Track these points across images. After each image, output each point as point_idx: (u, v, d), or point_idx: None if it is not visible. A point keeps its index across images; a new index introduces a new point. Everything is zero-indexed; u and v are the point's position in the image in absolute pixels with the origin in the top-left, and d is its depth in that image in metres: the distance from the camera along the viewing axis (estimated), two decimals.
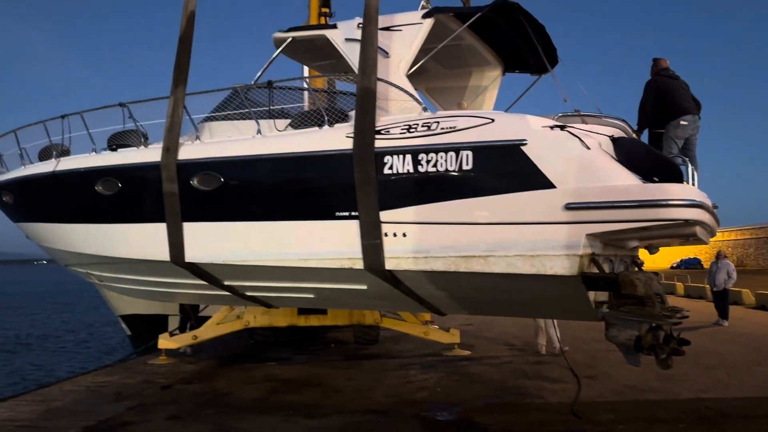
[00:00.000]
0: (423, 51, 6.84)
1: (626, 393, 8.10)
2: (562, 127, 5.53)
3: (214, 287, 7.89)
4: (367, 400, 7.99)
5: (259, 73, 7.55)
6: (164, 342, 10.83)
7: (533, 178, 5.44)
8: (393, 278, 6.38)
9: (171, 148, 7.21)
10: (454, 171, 5.78)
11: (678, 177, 5.32)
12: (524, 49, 7.92)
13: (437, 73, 8.52)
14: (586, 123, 5.80)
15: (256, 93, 7.37)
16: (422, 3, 7.55)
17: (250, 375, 9.90)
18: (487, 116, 5.83)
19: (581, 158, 5.39)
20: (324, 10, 10.89)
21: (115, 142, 8.00)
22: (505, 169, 5.60)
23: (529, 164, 5.46)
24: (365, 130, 6.16)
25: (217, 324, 10.93)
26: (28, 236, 9.95)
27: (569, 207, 5.30)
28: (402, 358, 10.82)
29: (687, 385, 8.51)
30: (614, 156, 5.45)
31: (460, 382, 8.97)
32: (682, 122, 6.31)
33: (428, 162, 5.89)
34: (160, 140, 7.68)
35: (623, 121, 6.11)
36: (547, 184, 5.40)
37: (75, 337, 23.45)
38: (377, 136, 6.14)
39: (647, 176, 5.29)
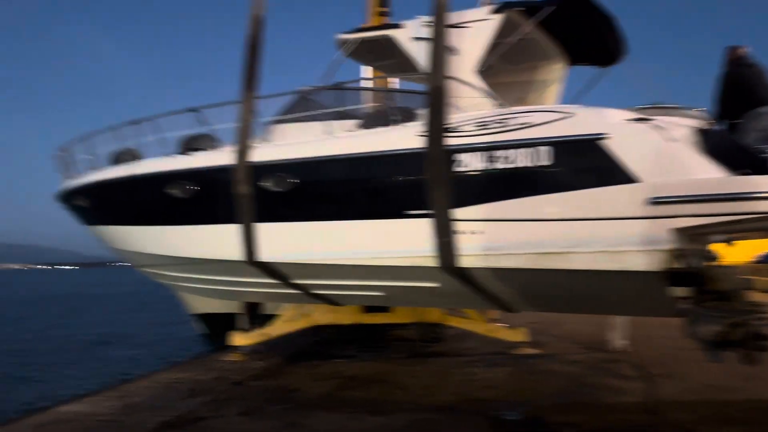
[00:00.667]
0: (491, 47, 6.81)
1: (704, 392, 7.86)
2: (643, 120, 5.43)
3: (284, 286, 8.04)
4: (433, 398, 7.96)
5: (323, 75, 7.67)
6: (236, 339, 11.05)
7: (615, 173, 5.35)
8: (466, 276, 6.38)
9: (243, 150, 7.38)
10: (530, 167, 5.73)
11: (765, 168, 5.15)
12: (591, 41, 7.79)
13: (499, 69, 8.46)
14: (667, 115, 5.66)
15: (323, 95, 7.49)
16: None
17: (317, 372, 9.97)
18: (565, 110, 5.76)
19: (665, 151, 5.28)
20: (382, 9, 10.96)
21: (188, 146, 8.23)
22: (585, 164, 5.53)
23: (611, 159, 5.37)
24: (436, 128, 6.17)
25: (285, 321, 11.12)
26: (100, 239, 10.33)
27: (654, 201, 5.20)
28: (467, 356, 10.70)
29: None
30: (699, 148, 5.31)
31: (527, 380, 8.85)
32: (760, 113, 6.08)
33: (503, 158, 5.86)
34: (230, 143, 7.90)
35: (703, 111, 5.94)
36: (630, 179, 5.30)
37: (151, 335, 24.14)
38: (449, 134, 6.14)
39: (734, 168, 5.14)
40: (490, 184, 5.96)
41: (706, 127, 5.60)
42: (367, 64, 8.78)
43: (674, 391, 7.95)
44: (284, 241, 7.23)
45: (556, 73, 8.52)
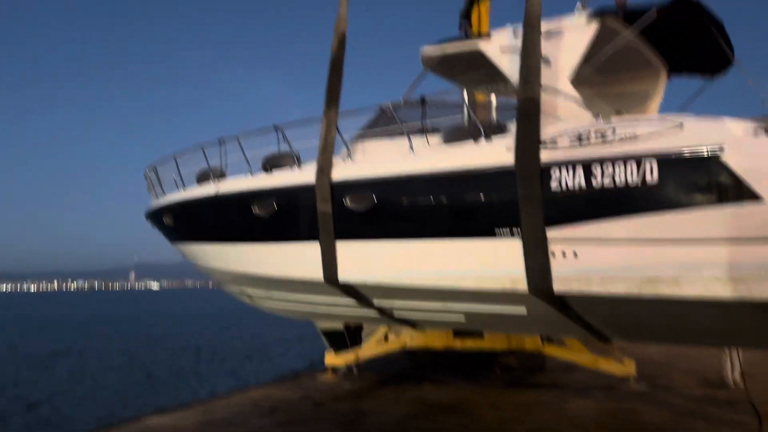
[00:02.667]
0: (586, 56, 6.36)
1: None
2: (767, 131, 4.83)
3: (364, 307, 7.80)
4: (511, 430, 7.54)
5: (408, 90, 7.44)
6: (330, 359, 11.26)
7: (735, 190, 4.77)
8: (560, 302, 5.90)
9: (325, 168, 7.24)
10: (635, 184, 5.22)
11: None
12: (696, 50, 7.17)
13: (595, 79, 7.94)
14: None
15: (405, 111, 7.25)
16: (578, 5, 7.07)
17: (401, 396, 9.83)
18: (674, 120, 5.23)
19: None
20: (463, 23, 10.63)
21: (270, 164, 8.20)
22: (699, 181, 4.96)
23: (730, 174, 4.80)
24: (529, 142, 5.77)
25: (376, 343, 11.16)
26: (185, 256, 10.49)
27: None
28: (565, 389, 10.05)
29: None
30: None
31: (621, 420, 8.13)
32: None
33: (604, 174, 5.38)
34: (313, 161, 7.80)
35: None
36: (753, 197, 4.70)
37: (284, 349, 26.69)
38: (542, 148, 5.73)
39: None
40: (588, 202, 5.48)
41: None
42: (451, 78, 8.48)
43: None
44: (365, 260, 6.99)
45: (656, 84, 7.91)
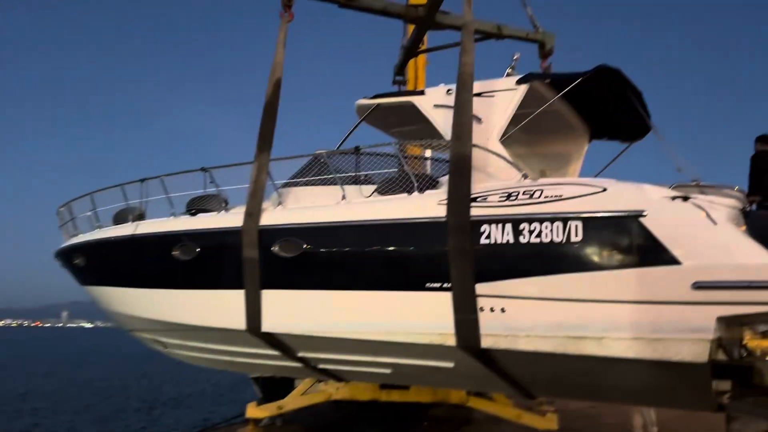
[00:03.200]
0: (513, 117, 6.60)
1: None
2: (684, 198, 5.11)
3: (288, 359, 7.54)
4: None
5: (342, 140, 7.45)
6: (252, 411, 10.76)
7: (655, 253, 4.98)
8: (487, 357, 5.91)
9: (254, 212, 7.06)
10: (561, 243, 5.37)
11: None
12: (615, 116, 7.61)
13: (520, 139, 8.24)
14: (705, 194, 5.35)
15: (339, 159, 7.23)
16: (508, 70, 7.37)
17: None
18: (598, 184, 5.46)
19: (709, 232, 4.93)
20: (398, 78, 10.93)
21: (195, 207, 7.92)
22: (621, 243, 5.16)
23: (650, 238, 5.02)
24: (461, 198, 5.86)
25: (302, 395, 10.80)
26: (95, 300, 9.87)
27: (698, 286, 4.80)
28: None
29: None
30: (745, 230, 4.96)
31: None
32: None
33: (531, 232, 5.51)
34: (241, 205, 7.59)
35: (741, 192, 5.63)
36: (671, 260, 4.93)
37: (209, 397, 25.57)
38: (473, 204, 5.82)
39: None
40: (516, 258, 5.58)
41: (747, 207, 5.27)
42: (385, 130, 8.58)
43: None
44: (292, 310, 6.79)
45: (579, 147, 8.29)
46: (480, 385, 7.75)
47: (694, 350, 4.83)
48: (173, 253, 7.64)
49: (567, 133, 8.17)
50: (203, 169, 7.82)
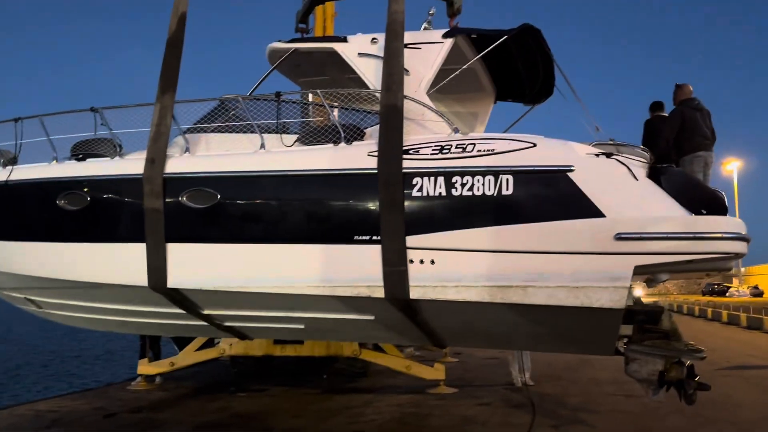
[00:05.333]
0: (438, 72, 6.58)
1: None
2: (608, 155, 5.41)
3: (189, 317, 7.10)
4: None
5: (255, 86, 7.00)
6: (143, 368, 10.74)
7: (581, 206, 5.26)
8: (412, 308, 5.96)
9: (157, 159, 6.46)
10: (492, 196, 5.49)
11: (723, 209, 5.32)
12: (524, 77, 7.86)
13: (433, 96, 8.28)
14: (620, 152, 5.71)
15: (252, 106, 6.81)
16: (424, 25, 7.33)
17: (206, 406, 9.41)
18: (529, 140, 5.62)
19: (631, 187, 5.29)
20: (301, 26, 10.44)
21: (82, 151, 7.10)
22: (550, 196, 5.39)
23: (577, 191, 5.28)
24: (392, 149, 5.77)
25: (195, 351, 10.71)
26: None
27: (620, 237, 5.15)
28: (377, 394, 10.13)
29: None
30: (660, 186, 5.37)
31: (407, 425, 8.23)
32: (696, 158, 6.40)
33: (463, 185, 5.58)
34: (137, 151, 6.93)
35: (647, 151, 6.08)
36: (596, 213, 5.23)
37: (92, 357, 24.67)
38: (405, 156, 5.77)
39: (693, 208, 5.24)
40: (447, 211, 5.63)
41: (663, 165, 5.71)
42: (293, 78, 8.19)
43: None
44: (202, 265, 6.37)
45: (484, 108, 8.50)
46: (393, 337, 7.84)
47: (612, 297, 5.20)
48: (58, 202, 6.84)
49: (476, 92, 8.32)
50: (93, 109, 7.01)
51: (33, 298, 8.27)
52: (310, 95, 7.33)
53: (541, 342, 6.55)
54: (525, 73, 7.67)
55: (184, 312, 6.96)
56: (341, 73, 7.24)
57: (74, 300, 7.67)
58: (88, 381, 17.68)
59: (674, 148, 6.42)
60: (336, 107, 6.42)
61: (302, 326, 6.99)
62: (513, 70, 7.69)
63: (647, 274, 5.48)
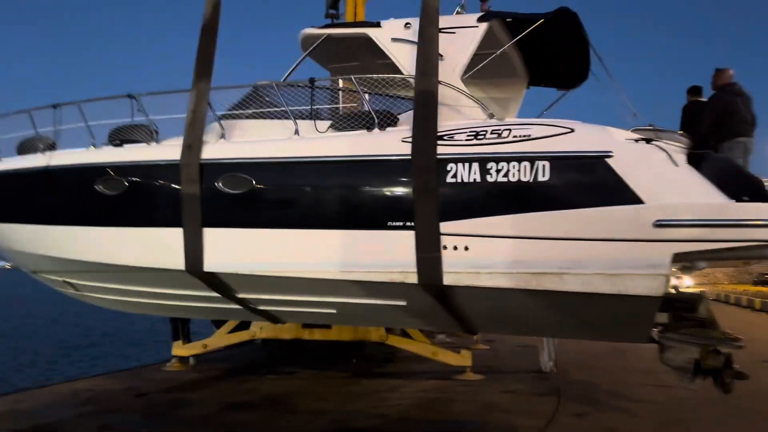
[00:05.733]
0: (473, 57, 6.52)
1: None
2: (647, 140, 5.33)
3: (224, 301, 7.21)
4: (313, 426, 7.54)
5: (288, 72, 7.03)
6: (177, 349, 11.00)
7: (619, 193, 5.19)
8: (445, 294, 5.97)
9: (193, 145, 6.55)
10: (528, 182, 5.45)
11: (765, 196, 5.20)
12: (558, 62, 7.75)
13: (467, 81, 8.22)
14: (659, 138, 5.61)
15: (286, 92, 6.85)
16: (457, 9, 7.25)
17: (235, 387, 9.63)
18: (566, 126, 5.56)
19: (671, 173, 5.20)
20: (331, 12, 10.45)
21: (120, 137, 7.22)
22: (588, 182, 5.33)
23: (615, 178, 5.21)
24: (427, 135, 5.76)
25: (225, 334, 10.98)
26: None
27: (659, 224, 5.07)
28: (404, 379, 10.20)
29: None
30: (700, 172, 5.27)
31: (431, 410, 8.28)
32: (736, 143, 6.26)
33: (499, 171, 5.54)
34: (173, 137, 7.03)
35: (686, 136, 5.97)
36: (635, 200, 5.16)
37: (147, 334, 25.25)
38: (439, 142, 5.75)
39: (734, 194, 5.14)
40: (482, 197, 5.61)
41: (703, 151, 5.61)
42: (324, 63, 8.19)
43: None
44: (238, 249, 6.45)
45: (517, 93, 8.41)
46: (424, 323, 7.87)
47: (650, 284, 5.15)
48: (97, 187, 6.97)
49: (508, 77, 8.22)
50: (130, 96, 7.11)
51: (71, 281, 8.47)
52: (341, 81, 7.31)
53: (574, 329, 6.51)
54: (559, 58, 7.56)
55: (218, 295, 7.07)
56: (373, 58, 7.22)
57: (111, 283, 7.85)
58: (131, 361, 18.16)
59: (713, 133, 6.28)
60: (369, 93, 6.40)
61: (334, 311, 7.04)
62: (547, 54, 7.59)
63: (686, 261, 5.39)
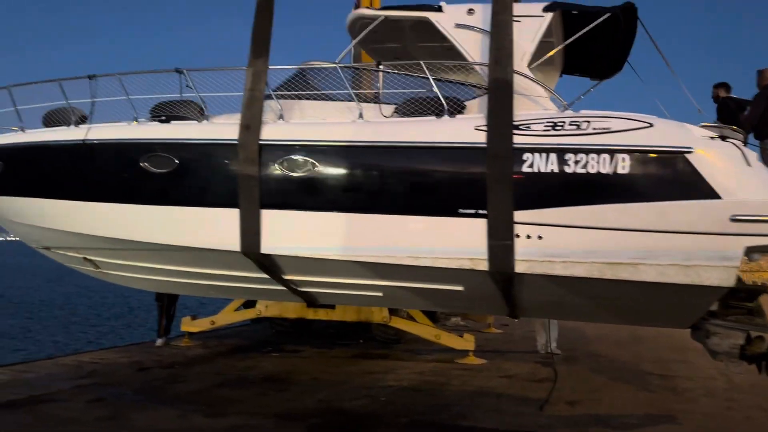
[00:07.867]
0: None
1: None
2: (723, 138, 5.56)
3: (269, 282, 7.14)
4: (298, 404, 7.44)
5: (342, 54, 6.94)
6: (186, 325, 11.01)
7: (698, 188, 5.40)
8: (512, 282, 6.09)
9: (252, 125, 6.40)
10: (607, 174, 5.59)
11: None
12: (596, 52, 7.88)
13: None
14: (723, 134, 5.85)
15: (329, 76, 6.76)
16: None
17: (236, 364, 9.67)
18: (645, 120, 5.71)
19: (745, 171, 5.45)
20: None
21: (165, 113, 6.97)
22: (667, 176, 5.51)
23: (695, 173, 5.42)
24: (502, 124, 5.81)
25: (232, 311, 11.00)
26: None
27: (735, 219, 5.32)
28: (405, 361, 10.17)
29: None
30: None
31: (421, 393, 8.03)
32: None
33: (577, 163, 5.66)
34: (222, 114, 6.86)
35: (742, 134, 6.24)
36: (713, 195, 5.38)
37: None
38: (515, 132, 5.81)
39: None
40: (559, 188, 5.72)
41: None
42: (364, 45, 8.05)
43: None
44: (300, 232, 6.40)
45: (550, 82, 8.49)
46: (469, 306, 7.98)
47: (722, 275, 5.41)
48: (142, 164, 6.75)
49: (544, 65, 8.28)
50: (178, 71, 6.86)
51: (93, 258, 8.19)
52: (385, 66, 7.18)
53: (626, 315, 6.77)
54: (600, 49, 7.69)
55: (265, 276, 6.99)
56: (418, 41, 7.19)
57: (142, 262, 7.63)
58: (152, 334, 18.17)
59: (758, 129, 6.60)
60: (439, 80, 6.38)
61: (380, 294, 7.09)
62: (590, 45, 7.70)
63: (755, 253, 5.68)
